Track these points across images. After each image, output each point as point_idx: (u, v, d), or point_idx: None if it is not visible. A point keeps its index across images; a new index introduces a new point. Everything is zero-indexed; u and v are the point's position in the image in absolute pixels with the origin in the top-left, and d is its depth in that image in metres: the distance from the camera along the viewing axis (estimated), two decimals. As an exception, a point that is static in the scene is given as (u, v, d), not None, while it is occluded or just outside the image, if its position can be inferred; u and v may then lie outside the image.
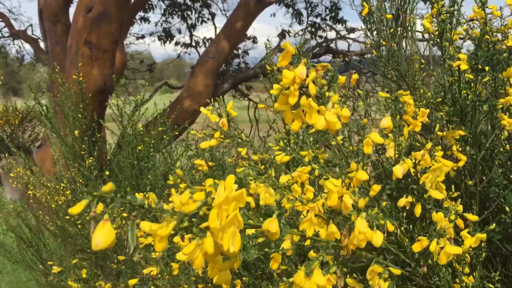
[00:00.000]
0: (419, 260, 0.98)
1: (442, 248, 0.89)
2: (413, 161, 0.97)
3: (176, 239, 1.61)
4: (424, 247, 0.91)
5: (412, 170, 0.98)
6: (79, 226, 2.73)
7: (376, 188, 0.95)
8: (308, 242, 0.90)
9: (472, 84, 1.14)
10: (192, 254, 0.66)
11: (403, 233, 1.05)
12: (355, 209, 0.84)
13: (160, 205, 0.65)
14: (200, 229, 0.66)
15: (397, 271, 0.89)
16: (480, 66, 1.08)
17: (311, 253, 0.91)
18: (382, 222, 0.85)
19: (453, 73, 1.22)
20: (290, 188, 0.97)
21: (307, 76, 0.81)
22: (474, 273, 1.09)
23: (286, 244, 0.90)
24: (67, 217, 2.83)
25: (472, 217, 1.02)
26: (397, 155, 0.97)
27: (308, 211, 0.89)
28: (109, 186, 0.58)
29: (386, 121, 0.99)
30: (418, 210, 0.99)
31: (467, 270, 1.05)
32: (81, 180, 3.28)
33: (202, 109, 1.24)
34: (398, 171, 0.94)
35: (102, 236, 0.57)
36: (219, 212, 0.63)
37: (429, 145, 0.96)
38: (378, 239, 0.82)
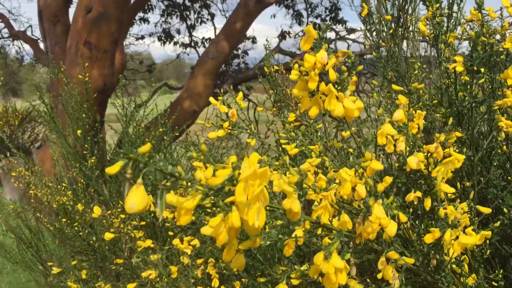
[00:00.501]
0: (428, 254, 0.98)
1: (454, 239, 0.89)
2: (425, 154, 0.97)
3: (175, 241, 1.60)
4: (436, 238, 0.91)
5: (421, 165, 0.98)
6: (76, 228, 2.74)
7: (388, 179, 0.95)
8: (319, 231, 0.90)
9: (468, 86, 1.15)
10: (217, 228, 0.66)
11: (411, 229, 1.05)
12: (373, 195, 0.84)
13: (189, 175, 0.65)
14: (225, 204, 0.66)
15: (410, 260, 0.89)
16: (475, 68, 1.08)
17: (326, 240, 0.92)
18: (396, 212, 0.86)
19: (449, 75, 1.23)
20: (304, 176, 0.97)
21: (327, 62, 0.82)
22: (478, 271, 1.09)
23: (299, 232, 0.91)
24: (64, 220, 2.83)
25: (485, 209, 1.02)
26: (410, 147, 0.97)
27: (321, 199, 0.89)
28: (146, 147, 0.59)
29: (399, 114, 0.99)
30: (428, 203, 0.99)
31: (466, 270, 1.05)
32: (82, 181, 3.29)
33: (211, 99, 1.24)
34: (412, 161, 0.94)
35: (136, 199, 0.58)
36: (246, 186, 0.63)
37: (442, 137, 0.97)
38: (392, 228, 0.82)
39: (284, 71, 2.04)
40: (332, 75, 0.82)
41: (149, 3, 9.62)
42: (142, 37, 11.16)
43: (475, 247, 1.08)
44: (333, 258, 0.78)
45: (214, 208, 0.67)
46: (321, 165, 1.10)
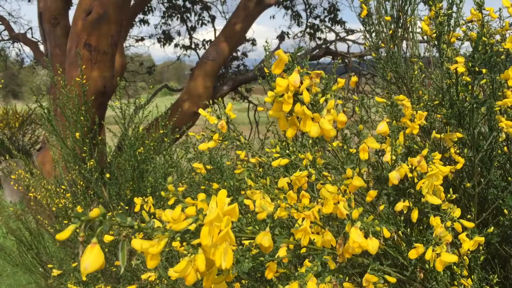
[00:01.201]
0: (417, 266, 0.97)
1: (438, 255, 0.89)
2: (410, 166, 0.97)
3: (175, 243, 1.60)
4: (420, 254, 0.91)
5: (409, 174, 0.98)
6: (77, 230, 2.73)
7: (372, 194, 0.95)
8: (304, 250, 0.90)
9: (469, 87, 1.14)
10: (184, 271, 0.66)
11: (400, 237, 1.04)
12: (349, 219, 0.84)
13: (151, 223, 0.65)
14: (192, 246, 0.66)
15: (392, 279, 0.88)
16: (477, 69, 1.08)
17: (306, 262, 0.91)
18: (378, 229, 0.85)
19: (451, 75, 1.22)
20: (286, 195, 0.97)
21: (301, 83, 0.81)
22: (472, 276, 1.09)
23: (282, 252, 0.90)
24: (65, 221, 2.83)
25: (468, 224, 1.01)
26: (393, 161, 0.97)
27: (303, 219, 0.89)
28: (96, 211, 0.59)
29: (383, 127, 0.98)
30: (415, 215, 0.99)
31: (465, 273, 1.05)
32: (82, 183, 3.29)
33: (201, 110, 1.23)
34: (394, 177, 0.94)
35: (91, 259, 0.57)
36: (211, 229, 0.63)
37: (425, 151, 0.96)
38: (373, 246, 0.82)
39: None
40: (306, 97, 0.80)
41: (149, 4, 9.63)
42: (142, 39, 11.16)
43: (469, 252, 1.07)
44: (308, 287, 0.78)
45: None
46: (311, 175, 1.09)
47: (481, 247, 1.07)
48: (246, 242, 0.83)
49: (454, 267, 1.03)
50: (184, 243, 0.66)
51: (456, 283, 1.02)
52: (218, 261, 0.64)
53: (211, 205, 0.65)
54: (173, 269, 0.66)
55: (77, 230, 0.60)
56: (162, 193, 0.77)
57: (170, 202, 0.75)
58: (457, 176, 1.39)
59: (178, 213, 0.65)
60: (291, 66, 0.80)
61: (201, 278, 0.69)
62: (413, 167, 0.95)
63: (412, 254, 0.91)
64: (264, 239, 0.75)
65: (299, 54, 0.82)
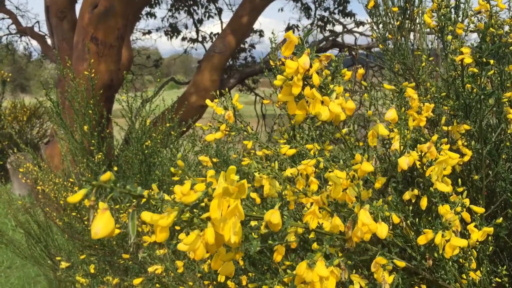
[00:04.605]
0: (425, 254, 0.97)
1: (447, 240, 0.89)
2: (419, 153, 0.96)
3: (182, 236, 1.61)
4: (429, 240, 0.90)
5: (417, 163, 0.97)
6: (86, 223, 2.75)
7: (382, 179, 0.94)
8: (312, 235, 0.90)
9: (477, 78, 1.13)
10: (193, 244, 0.66)
11: (409, 227, 1.04)
12: (358, 201, 0.83)
13: (161, 195, 0.65)
14: (201, 220, 0.66)
15: (401, 263, 0.88)
16: (484, 60, 1.06)
17: (315, 245, 0.91)
18: (388, 214, 0.85)
19: (456, 67, 1.21)
20: (294, 181, 0.96)
21: (311, 66, 0.80)
22: (481, 268, 1.08)
23: (291, 237, 0.90)
24: (74, 213, 2.84)
25: (478, 209, 1.01)
26: (402, 147, 0.96)
27: (312, 204, 0.89)
28: (107, 175, 0.58)
29: (391, 113, 0.97)
30: (424, 203, 0.98)
31: (473, 265, 1.04)
32: (89, 176, 3.30)
33: (208, 101, 1.23)
34: (403, 162, 0.93)
35: (101, 224, 0.57)
36: (220, 202, 0.63)
37: (435, 137, 0.95)
38: (382, 231, 0.81)
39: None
40: (316, 79, 0.80)
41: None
42: (149, 32, 11.16)
43: (477, 243, 1.06)
44: (317, 267, 0.77)
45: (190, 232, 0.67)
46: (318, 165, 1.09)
47: (490, 238, 1.07)
48: (253, 223, 0.82)
49: (462, 260, 1.03)
50: (192, 222, 0.66)
51: (464, 276, 1.02)
52: (227, 235, 0.64)
53: (220, 180, 0.64)
54: (183, 242, 0.66)
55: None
56: (175, 171, 0.76)
57: (175, 178, 0.74)
58: (465, 169, 1.38)
59: (187, 187, 0.64)
60: (301, 48, 0.80)
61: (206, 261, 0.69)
62: (423, 153, 0.94)
63: (421, 240, 0.90)
64: (273, 216, 0.75)
65: (308, 37, 0.81)
